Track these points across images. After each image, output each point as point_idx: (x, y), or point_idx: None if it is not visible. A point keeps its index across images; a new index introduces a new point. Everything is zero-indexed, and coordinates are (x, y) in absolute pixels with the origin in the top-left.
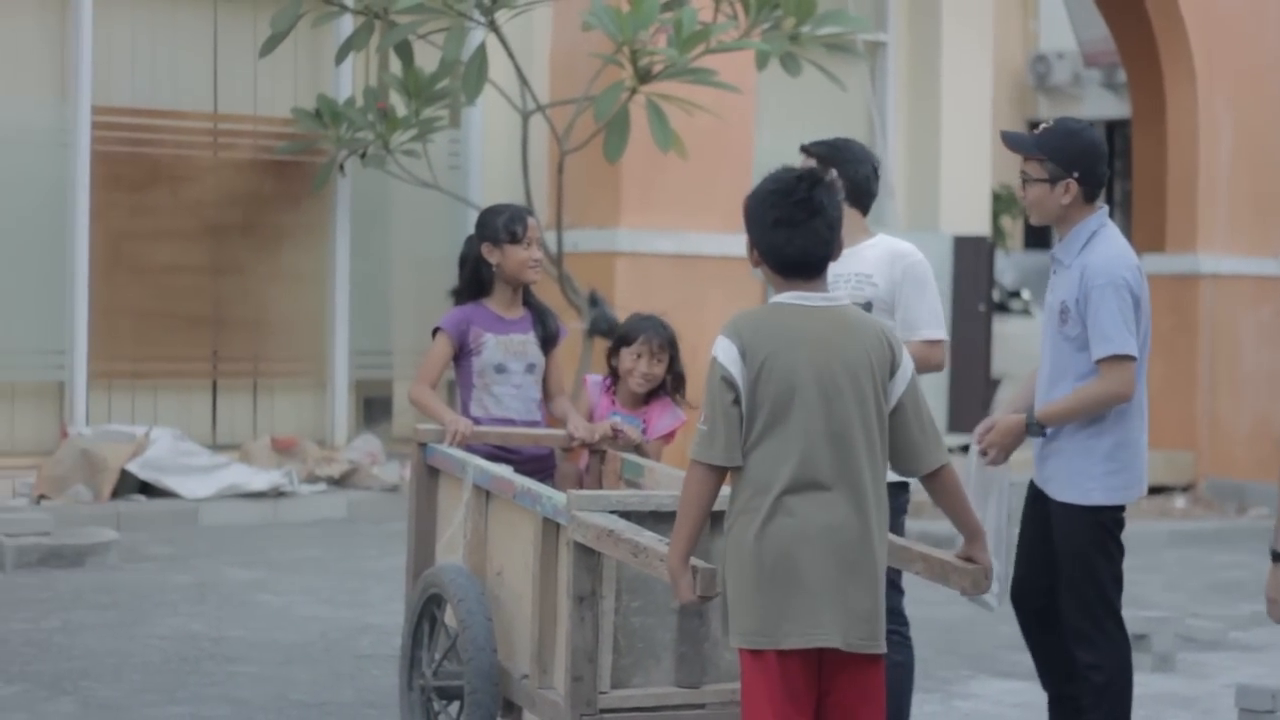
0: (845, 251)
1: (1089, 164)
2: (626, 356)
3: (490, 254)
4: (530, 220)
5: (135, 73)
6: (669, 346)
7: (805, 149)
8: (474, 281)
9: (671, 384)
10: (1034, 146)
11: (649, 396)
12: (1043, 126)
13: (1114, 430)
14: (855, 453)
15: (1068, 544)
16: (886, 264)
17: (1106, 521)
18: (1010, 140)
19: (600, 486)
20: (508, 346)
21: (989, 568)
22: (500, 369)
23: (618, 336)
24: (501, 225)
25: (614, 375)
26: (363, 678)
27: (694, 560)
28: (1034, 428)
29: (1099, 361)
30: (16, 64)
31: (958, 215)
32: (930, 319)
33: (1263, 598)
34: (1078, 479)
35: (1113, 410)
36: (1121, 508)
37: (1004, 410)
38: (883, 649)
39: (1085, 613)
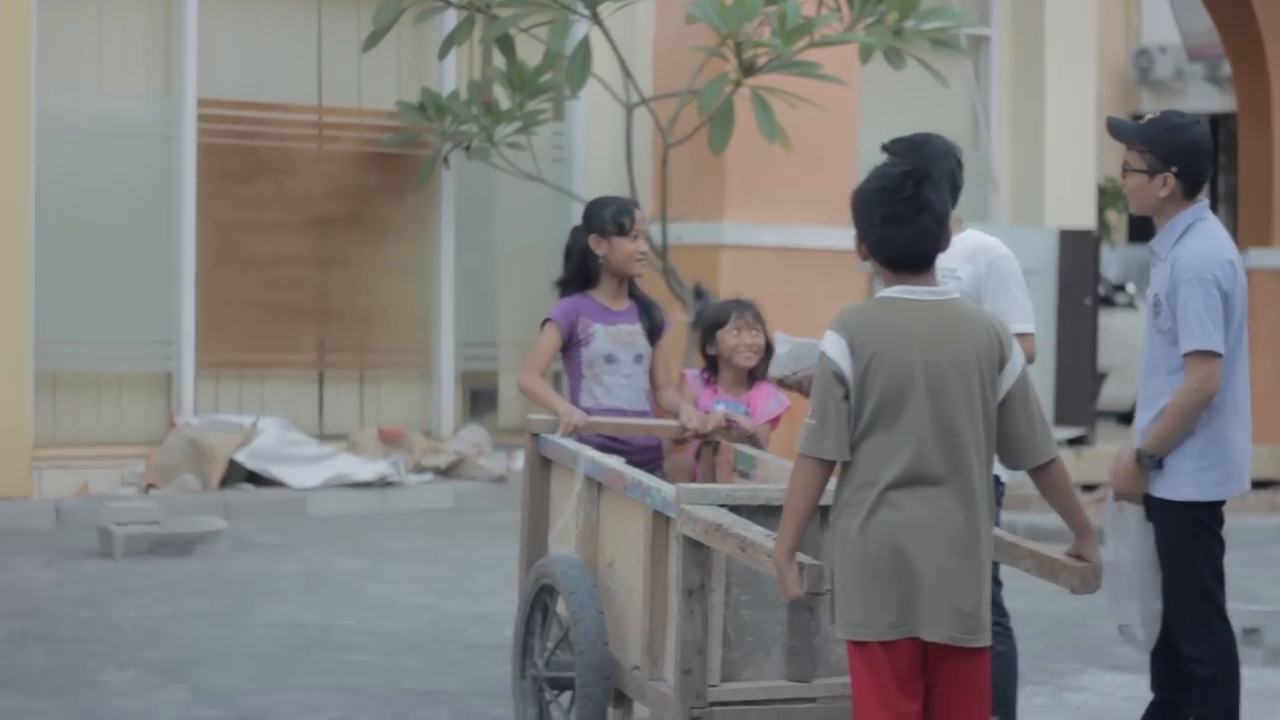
0: None
1: (1188, 159)
2: (726, 336)
3: (598, 245)
4: (636, 212)
5: (240, 66)
6: (759, 319)
7: (885, 148)
8: (581, 273)
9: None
10: (1136, 136)
11: (750, 382)
12: (1148, 117)
13: (1206, 427)
14: (964, 448)
15: (1165, 540)
16: (971, 258)
17: (1203, 517)
18: (1114, 127)
19: (713, 478)
20: (616, 337)
21: (1099, 566)
22: (610, 359)
23: (707, 324)
24: (609, 217)
25: (711, 366)
26: (472, 667)
27: (800, 556)
28: (1146, 460)
29: (1185, 355)
30: (124, 58)
31: (1063, 209)
32: (1018, 312)
33: None
34: (1170, 475)
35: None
36: (1219, 503)
37: (1126, 442)
38: (987, 642)
39: (1187, 607)
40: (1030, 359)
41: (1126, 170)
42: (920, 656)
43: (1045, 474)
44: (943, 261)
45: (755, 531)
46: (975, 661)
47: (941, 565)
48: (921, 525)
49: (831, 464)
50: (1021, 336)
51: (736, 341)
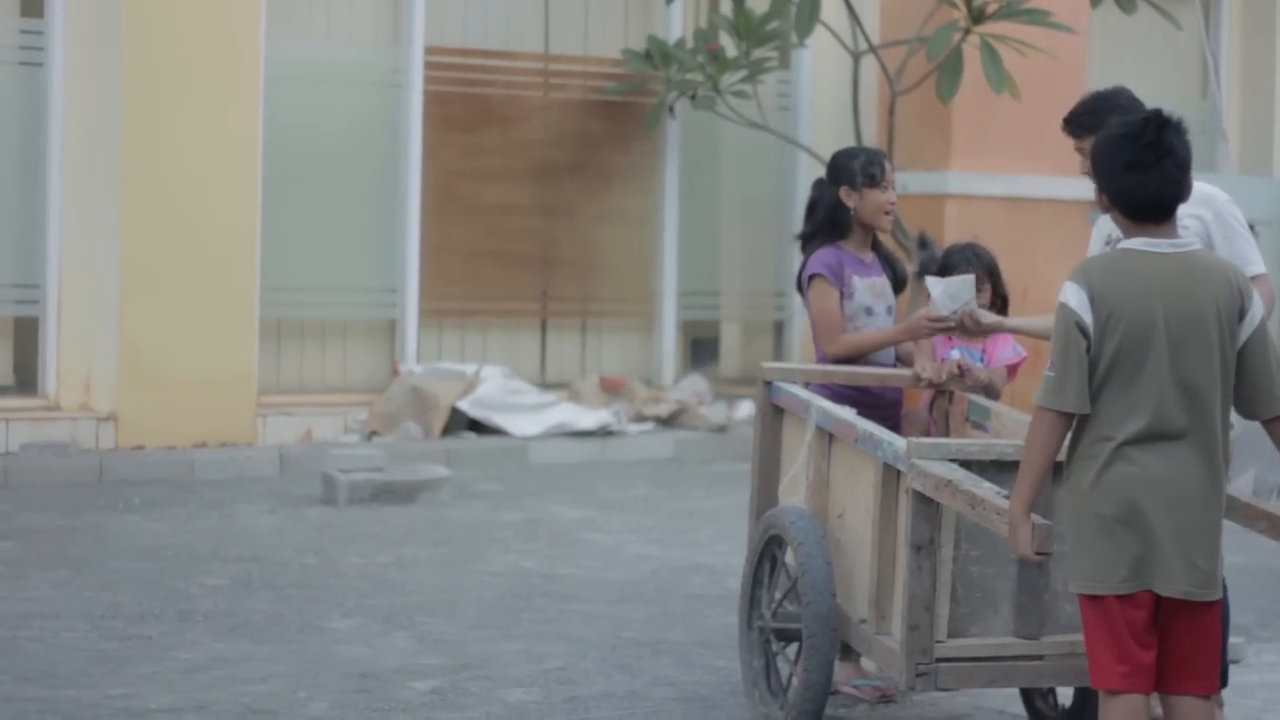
0: None
1: None
2: None
3: (848, 198)
4: (886, 163)
5: (467, 13)
6: (990, 273)
7: (1066, 123)
8: (832, 225)
9: (999, 308)
10: None
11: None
12: None
13: None
14: (1206, 402)
15: None
16: (1198, 208)
17: None
18: None
19: (947, 429)
20: (872, 289)
21: None
22: (869, 311)
23: (939, 271)
24: (859, 168)
25: None
26: (694, 617)
27: (1034, 516)
28: None
29: None
30: (352, 6)
31: None
32: (1251, 254)
33: None
34: None
35: None
36: None
37: None
38: (1219, 596)
39: None
40: (1270, 302)
41: None
42: (1154, 608)
43: None
44: None
45: (985, 489)
46: (1208, 614)
47: (1178, 521)
48: (1158, 480)
49: (1071, 417)
50: (1256, 279)
51: None
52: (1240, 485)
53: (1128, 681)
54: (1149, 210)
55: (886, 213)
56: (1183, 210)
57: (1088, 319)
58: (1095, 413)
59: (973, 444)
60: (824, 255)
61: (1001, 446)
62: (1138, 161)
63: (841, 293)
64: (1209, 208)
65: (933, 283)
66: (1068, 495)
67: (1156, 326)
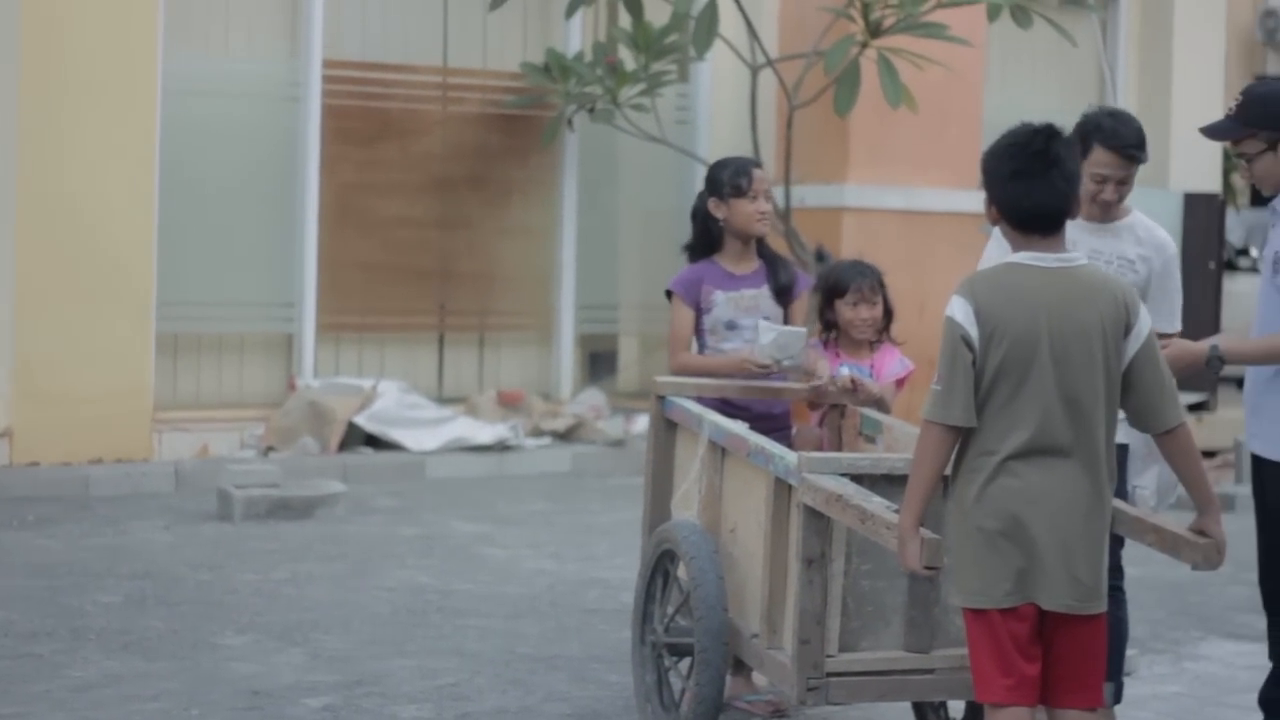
0: (1102, 227)
1: None
2: (843, 308)
3: (717, 209)
4: (756, 172)
5: (366, 27)
6: (880, 287)
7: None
8: (704, 237)
9: (885, 323)
10: (1244, 124)
11: (873, 344)
12: (1234, 106)
13: None
14: (1090, 417)
15: (1270, 502)
16: (1151, 250)
17: None
18: (1215, 131)
19: (840, 443)
20: (738, 303)
21: (1222, 542)
22: (730, 325)
23: (826, 290)
24: (726, 179)
25: (828, 329)
26: (589, 632)
27: (923, 530)
28: (1215, 361)
29: None
30: (250, 20)
31: (1188, 172)
32: (1177, 312)
33: None
34: (1277, 435)
35: None
36: None
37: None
38: (1104, 609)
39: None
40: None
41: (1248, 159)
42: (1038, 621)
43: (1172, 440)
44: (1120, 250)
45: (876, 503)
46: (1092, 627)
47: (1061, 534)
48: (1041, 494)
49: (958, 431)
50: (1169, 337)
51: (853, 315)
52: (1144, 483)
53: (1012, 695)
54: (1035, 221)
55: (758, 221)
56: (1134, 250)
57: (973, 333)
58: (980, 427)
59: (863, 458)
60: (685, 272)
61: (892, 460)
62: (1025, 170)
63: (699, 308)
64: (1161, 256)
65: (765, 328)
66: (952, 509)
67: (1041, 341)
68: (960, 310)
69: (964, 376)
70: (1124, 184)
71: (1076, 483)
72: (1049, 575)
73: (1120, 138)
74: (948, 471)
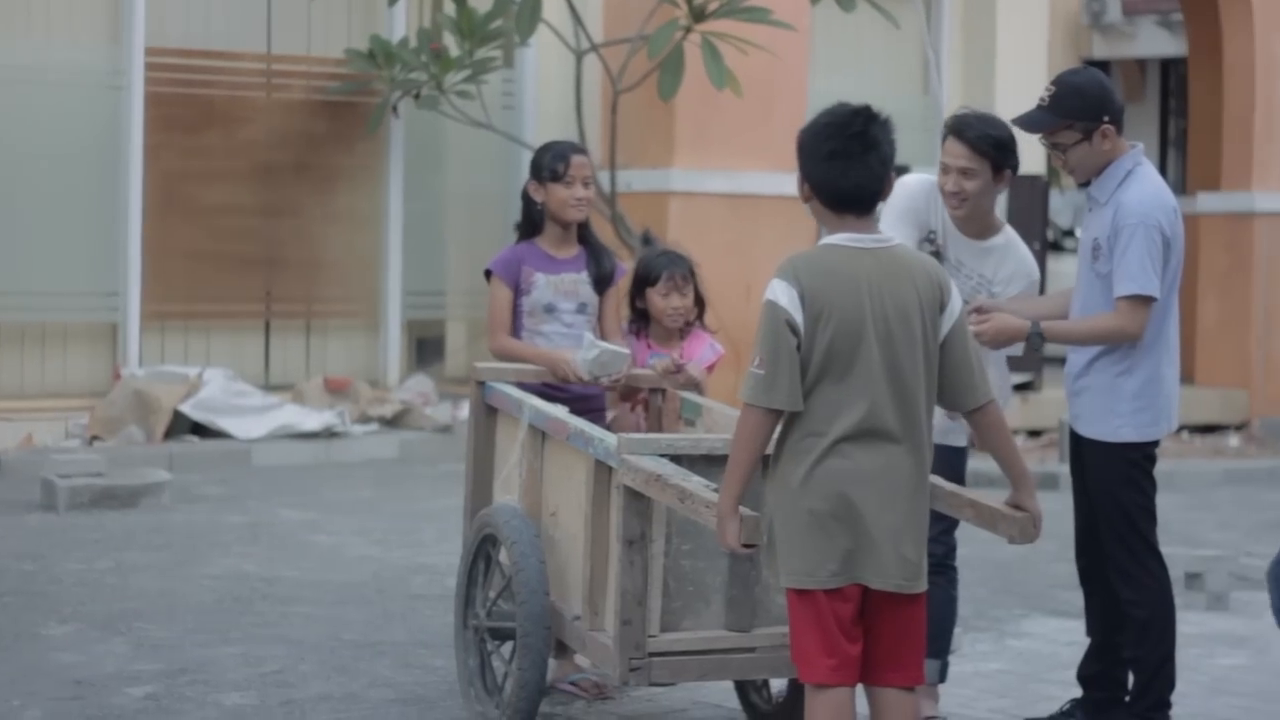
0: (972, 244)
1: (1109, 101)
2: (655, 297)
3: (536, 192)
4: (575, 158)
5: (189, 14)
6: (691, 276)
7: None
8: (527, 220)
9: (699, 311)
10: (1059, 115)
11: (682, 331)
12: (1047, 97)
13: (1141, 368)
14: (915, 397)
15: (1100, 481)
16: (1016, 276)
17: (1136, 458)
18: (1028, 123)
19: (659, 426)
20: (558, 286)
21: (1038, 515)
22: (550, 309)
23: (637, 279)
24: (545, 163)
25: (640, 317)
26: (415, 618)
27: (741, 509)
28: (1035, 339)
29: (1118, 299)
30: (70, 6)
31: None
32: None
33: None
34: (1106, 416)
35: (1140, 348)
36: (1153, 444)
37: (1011, 311)
38: (925, 588)
39: (1123, 549)
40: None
41: (1064, 149)
42: (861, 601)
43: (982, 416)
44: (981, 269)
45: (695, 482)
46: (914, 606)
47: (891, 514)
48: (870, 474)
49: (779, 414)
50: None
51: (664, 304)
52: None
53: (835, 675)
54: (851, 201)
55: (573, 206)
56: (998, 274)
57: (798, 317)
58: (806, 409)
59: (682, 439)
60: (505, 252)
61: (711, 441)
62: (842, 151)
63: (521, 289)
64: (1026, 280)
65: (590, 343)
66: (775, 491)
67: (866, 322)
68: (784, 294)
69: (789, 360)
70: (966, 176)
71: (902, 461)
72: (879, 555)
73: (969, 127)
74: (768, 451)
